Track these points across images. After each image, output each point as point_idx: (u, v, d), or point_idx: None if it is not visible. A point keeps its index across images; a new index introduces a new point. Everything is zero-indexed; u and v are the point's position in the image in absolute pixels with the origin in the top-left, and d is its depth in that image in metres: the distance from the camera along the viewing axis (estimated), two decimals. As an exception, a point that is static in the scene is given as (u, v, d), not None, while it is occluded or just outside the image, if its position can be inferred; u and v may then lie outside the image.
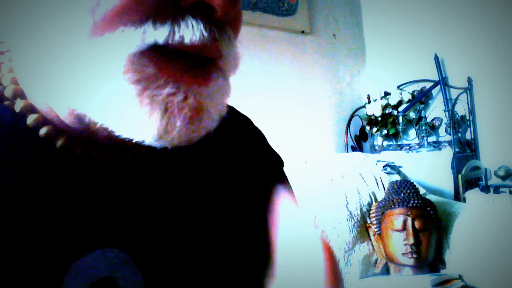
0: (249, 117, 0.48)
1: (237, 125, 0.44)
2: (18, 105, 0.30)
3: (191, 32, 0.25)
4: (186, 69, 0.26)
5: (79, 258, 0.28)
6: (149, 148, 0.27)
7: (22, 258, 0.26)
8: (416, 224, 1.36)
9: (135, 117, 0.25)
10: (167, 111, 0.25)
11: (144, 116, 0.25)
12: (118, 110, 0.25)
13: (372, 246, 1.48)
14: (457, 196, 1.79)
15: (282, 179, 0.46)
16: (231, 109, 0.44)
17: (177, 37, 0.25)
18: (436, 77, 2.00)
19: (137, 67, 0.25)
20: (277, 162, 0.47)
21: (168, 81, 0.25)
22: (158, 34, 0.24)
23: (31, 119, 0.30)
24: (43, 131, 0.30)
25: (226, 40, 0.27)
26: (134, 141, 0.26)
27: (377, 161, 1.80)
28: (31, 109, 0.30)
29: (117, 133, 0.26)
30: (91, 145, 0.31)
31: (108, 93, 0.25)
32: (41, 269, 0.27)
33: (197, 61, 0.26)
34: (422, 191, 1.66)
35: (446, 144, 1.94)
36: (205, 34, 0.25)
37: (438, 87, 2.00)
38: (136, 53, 0.24)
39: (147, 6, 0.24)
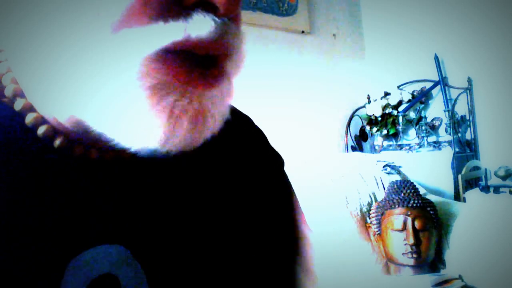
0: (249, 116, 0.48)
1: (239, 126, 0.44)
2: (18, 104, 0.30)
3: (201, 26, 0.25)
4: (194, 73, 0.26)
5: (79, 253, 0.28)
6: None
7: (21, 255, 0.27)
8: (416, 224, 1.36)
9: (137, 121, 0.25)
10: (173, 115, 0.25)
11: (149, 121, 0.25)
12: (117, 113, 0.25)
13: (372, 246, 1.48)
14: (457, 196, 1.79)
15: (283, 178, 0.46)
16: (232, 109, 0.44)
17: (191, 33, 0.25)
18: (436, 77, 2.00)
19: (152, 73, 0.25)
20: (278, 161, 0.47)
21: (177, 86, 0.25)
22: (170, 33, 0.24)
23: (30, 117, 0.30)
24: (41, 130, 0.30)
25: (232, 35, 0.27)
26: (133, 149, 0.26)
27: (377, 161, 1.80)
28: (30, 109, 0.30)
29: (116, 140, 0.26)
30: (90, 146, 0.31)
31: (108, 96, 0.25)
32: (40, 265, 0.27)
33: (205, 63, 0.26)
34: (422, 191, 1.66)
35: (446, 144, 1.94)
36: (215, 26, 0.25)
37: (438, 87, 2.00)
38: (151, 57, 0.25)
39: (153, 8, 0.24)
